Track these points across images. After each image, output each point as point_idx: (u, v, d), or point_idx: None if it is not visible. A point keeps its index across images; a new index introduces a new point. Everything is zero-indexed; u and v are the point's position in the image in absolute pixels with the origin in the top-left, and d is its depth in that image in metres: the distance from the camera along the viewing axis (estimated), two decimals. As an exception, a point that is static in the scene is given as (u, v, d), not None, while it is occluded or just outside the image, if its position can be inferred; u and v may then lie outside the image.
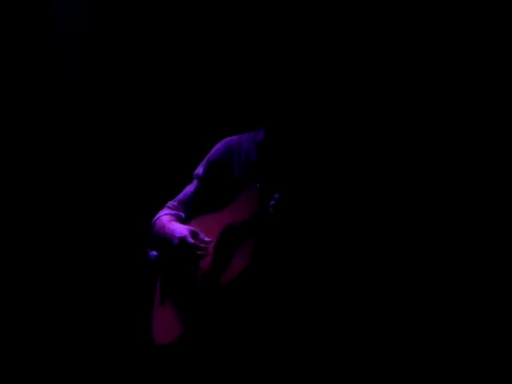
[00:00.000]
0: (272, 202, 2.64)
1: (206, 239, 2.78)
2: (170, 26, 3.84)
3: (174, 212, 2.96)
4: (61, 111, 3.93)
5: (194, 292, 2.77)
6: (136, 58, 3.88)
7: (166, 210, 2.97)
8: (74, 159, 3.93)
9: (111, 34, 3.90)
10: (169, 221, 2.91)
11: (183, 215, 2.95)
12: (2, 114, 3.91)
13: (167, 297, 2.88)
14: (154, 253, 2.91)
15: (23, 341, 3.87)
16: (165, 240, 2.84)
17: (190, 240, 2.77)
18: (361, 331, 3.17)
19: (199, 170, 2.96)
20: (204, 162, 2.96)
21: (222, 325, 2.71)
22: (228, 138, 2.94)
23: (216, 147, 2.95)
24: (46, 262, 3.91)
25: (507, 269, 3.17)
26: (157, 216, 2.96)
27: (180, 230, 2.82)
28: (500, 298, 3.18)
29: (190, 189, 2.98)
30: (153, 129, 3.88)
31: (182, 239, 2.78)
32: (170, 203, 3.00)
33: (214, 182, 2.91)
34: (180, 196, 3.00)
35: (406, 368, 3.21)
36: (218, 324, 2.71)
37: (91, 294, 3.89)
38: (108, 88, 3.91)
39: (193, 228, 2.83)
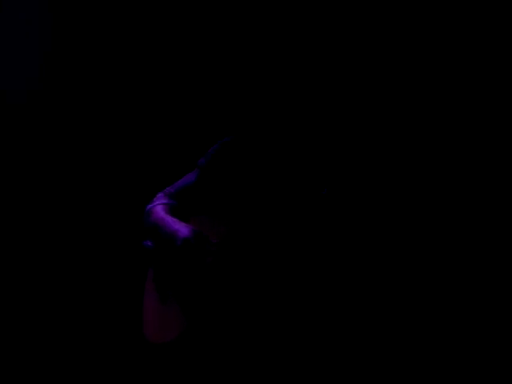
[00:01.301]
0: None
1: (212, 241, 2.72)
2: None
3: (170, 201, 2.86)
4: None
5: (196, 290, 2.71)
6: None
7: (161, 198, 2.87)
8: (71, 147, 3.84)
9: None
10: (165, 212, 2.81)
11: (176, 203, 2.85)
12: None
13: (164, 292, 2.79)
14: (149, 243, 2.82)
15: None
16: (165, 236, 2.75)
17: (194, 242, 2.69)
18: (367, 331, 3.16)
19: (203, 159, 2.88)
20: (209, 152, 2.88)
21: (226, 323, 2.67)
22: (234, 135, 2.88)
23: (222, 141, 2.88)
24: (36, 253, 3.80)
25: (507, 269, 3.19)
26: (152, 204, 2.87)
27: (184, 230, 2.72)
28: (500, 298, 3.19)
29: (190, 177, 2.89)
30: (157, 119, 3.79)
31: (186, 240, 2.70)
32: (167, 189, 2.91)
33: (216, 174, 2.83)
34: (179, 183, 2.91)
35: (406, 368, 3.21)
36: (222, 322, 2.67)
37: (79, 287, 3.79)
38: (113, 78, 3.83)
39: (196, 228, 2.74)
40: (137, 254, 2.93)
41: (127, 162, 3.76)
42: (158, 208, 2.81)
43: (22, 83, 3.77)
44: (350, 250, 2.70)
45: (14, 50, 3.76)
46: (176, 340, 2.69)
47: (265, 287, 2.64)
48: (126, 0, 3.76)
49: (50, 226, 3.78)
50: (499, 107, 3.23)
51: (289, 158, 2.78)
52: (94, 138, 3.80)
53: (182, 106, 3.73)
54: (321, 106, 2.80)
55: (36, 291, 3.78)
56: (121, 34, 3.77)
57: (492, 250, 3.19)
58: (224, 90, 3.65)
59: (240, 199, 2.77)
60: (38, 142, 3.79)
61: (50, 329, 3.76)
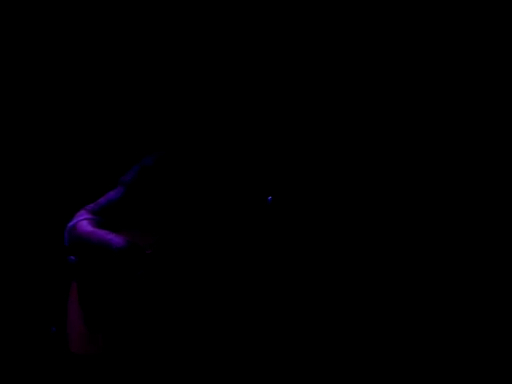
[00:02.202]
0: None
1: (146, 251, 2.74)
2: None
3: (94, 217, 2.85)
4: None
5: (129, 297, 2.72)
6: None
7: (84, 215, 2.87)
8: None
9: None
10: (93, 226, 2.82)
11: (101, 218, 2.86)
12: None
13: (89, 304, 2.80)
14: (73, 257, 2.83)
15: None
16: (95, 248, 2.76)
17: (129, 251, 2.70)
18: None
19: (128, 176, 2.88)
20: (135, 169, 2.88)
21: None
22: (164, 151, 2.88)
23: (151, 156, 2.88)
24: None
25: (507, 269, 3.18)
26: (75, 220, 2.86)
27: (117, 239, 2.74)
28: (500, 298, 3.18)
29: (114, 194, 2.89)
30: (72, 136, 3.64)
31: (121, 249, 2.71)
32: (89, 206, 2.90)
33: (145, 189, 2.84)
34: (102, 200, 2.90)
35: (405, 368, 3.21)
36: (151, 330, 2.70)
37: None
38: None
39: (129, 239, 2.76)
40: (58, 270, 2.93)
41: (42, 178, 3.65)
42: (84, 223, 2.82)
43: None
44: (294, 257, 2.72)
45: None
46: (103, 350, 2.72)
47: (196, 295, 2.68)
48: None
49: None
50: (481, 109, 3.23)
51: (227, 168, 2.80)
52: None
53: (98, 124, 3.63)
54: (259, 114, 2.83)
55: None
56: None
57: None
58: (146, 105, 3.56)
59: (174, 211, 2.79)
60: None
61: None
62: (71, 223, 2.85)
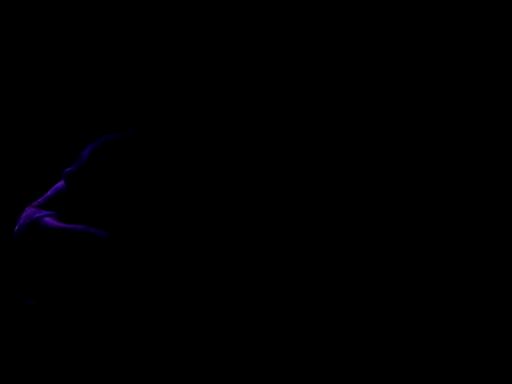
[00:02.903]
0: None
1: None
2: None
3: (53, 213, 2.61)
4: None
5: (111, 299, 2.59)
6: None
7: (38, 212, 2.63)
8: None
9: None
10: (59, 222, 2.57)
11: (57, 213, 2.61)
12: None
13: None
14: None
15: None
16: (77, 242, 2.52)
17: (119, 245, 2.56)
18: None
19: (75, 167, 2.67)
20: (83, 158, 2.67)
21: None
22: (110, 135, 2.71)
23: (97, 144, 2.68)
24: None
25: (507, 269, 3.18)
26: (33, 217, 2.61)
27: (103, 233, 2.54)
28: (500, 298, 3.18)
29: (62, 188, 2.67)
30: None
31: (110, 243, 2.53)
32: (37, 202, 2.67)
33: (96, 180, 2.63)
34: (50, 195, 2.68)
35: (405, 368, 3.20)
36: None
37: None
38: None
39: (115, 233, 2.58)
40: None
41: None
42: (48, 219, 2.59)
43: None
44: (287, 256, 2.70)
45: None
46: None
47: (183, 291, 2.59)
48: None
49: None
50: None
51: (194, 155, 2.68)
52: None
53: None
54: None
55: None
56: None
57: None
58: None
59: (137, 203, 2.65)
60: None
61: None
62: (26, 221, 2.61)
